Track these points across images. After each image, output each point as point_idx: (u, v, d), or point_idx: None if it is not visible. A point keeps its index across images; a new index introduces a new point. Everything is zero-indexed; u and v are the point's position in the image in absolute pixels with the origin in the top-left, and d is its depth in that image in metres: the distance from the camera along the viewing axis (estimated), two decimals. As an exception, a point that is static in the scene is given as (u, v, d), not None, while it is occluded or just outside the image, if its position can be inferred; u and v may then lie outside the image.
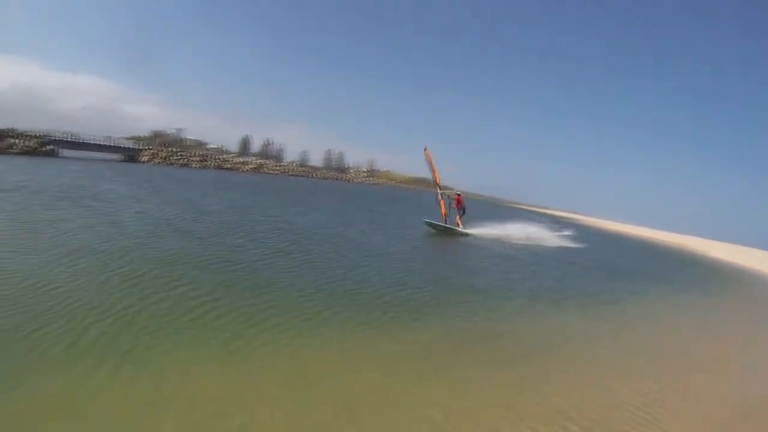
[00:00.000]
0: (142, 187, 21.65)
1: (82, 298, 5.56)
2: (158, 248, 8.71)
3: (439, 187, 19.93)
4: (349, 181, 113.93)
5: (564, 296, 10.23)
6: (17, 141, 46.77)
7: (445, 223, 19.10)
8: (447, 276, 10.66)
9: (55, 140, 51.29)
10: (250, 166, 76.61)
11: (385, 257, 11.22)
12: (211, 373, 4.32)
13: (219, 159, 73.58)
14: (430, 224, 19.01)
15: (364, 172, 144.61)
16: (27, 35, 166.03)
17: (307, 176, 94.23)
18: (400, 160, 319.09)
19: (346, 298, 7.13)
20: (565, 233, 26.78)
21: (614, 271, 16.80)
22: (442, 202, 19.33)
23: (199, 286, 6.65)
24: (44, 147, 48.68)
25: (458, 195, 19.81)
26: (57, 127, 53.34)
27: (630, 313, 10.17)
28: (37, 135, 49.66)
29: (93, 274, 6.53)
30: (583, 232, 40.57)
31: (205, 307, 5.85)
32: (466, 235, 19.12)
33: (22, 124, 49.51)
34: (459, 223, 19.55)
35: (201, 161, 67.67)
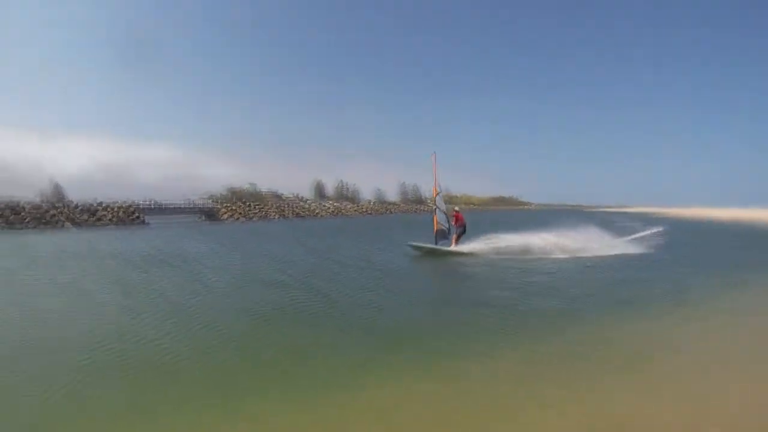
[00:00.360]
0: (223, 243, 21.85)
1: (177, 351, 5.77)
2: (243, 299, 9.04)
3: (435, 200, 17.74)
4: (428, 211, 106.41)
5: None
6: (105, 213, 47.35)
7: (435, 244, 16.87)
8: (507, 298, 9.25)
9: (139, 208, 51.56)
10: (327, 211, 73.24)
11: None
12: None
13: (296, 207, 71.28)
14: (415, 247, 17.12)
15: None
16: (101, 112, 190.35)
17: (386, 213, 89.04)
18: (476, 180, 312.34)
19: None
20: (638, 234, 21.16)
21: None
22: (435, 219, 17.35)
23: (286, 334, 6.74)
24: (130, 216, 49.17)
25: (456, 211, 17.96)
26: (139, 196, 54.46)
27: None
28: (122, 205, 50.43)
29: (183, 329, 6.82)
30: (662, 226, 33.30)
31: (295, 353, 5.83)
32: (465, 254, 16.30)
33: (108, 197, 50.73)
34: (455, 242, 17.04)
35: (279, 212, 65.82)
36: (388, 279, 11.54)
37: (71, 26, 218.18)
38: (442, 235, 17.20)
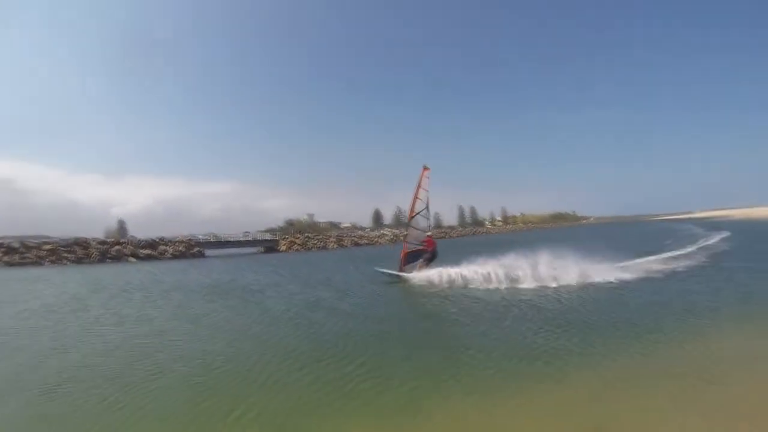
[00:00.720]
0: (282, 274, 20.92)
1: (246, 374, 5.85)
2: (306, 325, 8.83)
3: (410, 221, 16.43)
4: (487, 233, 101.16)
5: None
6: (167, 247, 46.49)
7: (403, 267, 15.81)
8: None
9: (200, 242, 50.43)
10: (386, 238, 69.33)
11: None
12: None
13: (354, 237, 68.05)
14: (383, 273, 16.34)
15: (499, 221, 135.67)
16: (163, 154, 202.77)
17: (445, 237, 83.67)
18: (533, 198, 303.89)
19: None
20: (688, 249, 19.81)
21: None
22: (405, 245, 16.13)
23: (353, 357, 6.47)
24: (191, 250, 47.96)
25: (429, 236, 16.49)
26: (200, 231, 54.30)
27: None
28: (182, 240, 49.46)
29: (251, 354, 6.82)
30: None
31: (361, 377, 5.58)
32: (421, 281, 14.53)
33: (169, 231, 50.90)
34: (423, 266, 15.49)
35: (337, 241, 62.78)
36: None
37: (137, 78, 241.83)
38: (412, 258, 16.10)
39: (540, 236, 57.61)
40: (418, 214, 16.26)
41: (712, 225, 52.79)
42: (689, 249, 19.72)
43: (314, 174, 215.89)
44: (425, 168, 16.38)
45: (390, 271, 16.12)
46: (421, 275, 14.99)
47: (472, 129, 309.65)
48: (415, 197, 16.21)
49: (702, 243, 21.57)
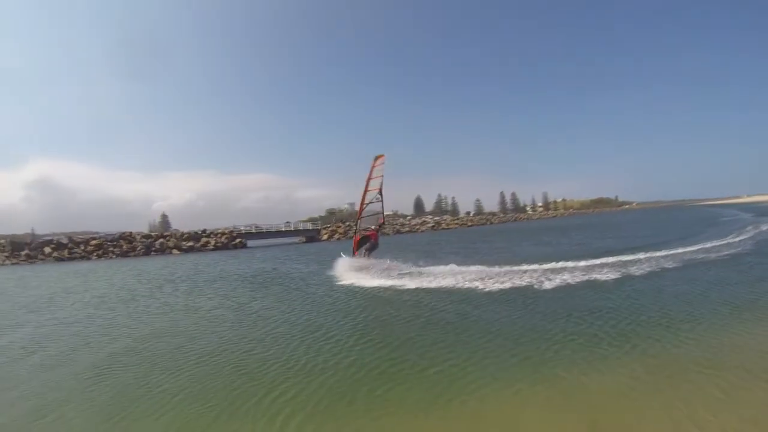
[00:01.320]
0: (320, 263, 19.54)
1: (285, 360, 5.79)
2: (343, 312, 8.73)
3: (361, 212, 16.04)
4: (528, 219, 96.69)
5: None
6: (210, 239, 45.74)
7: (355, 252, 15.74)
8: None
9: (241, 233, 49.44)
10: (428, 225, 66.77)
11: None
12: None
13: (396, 224, 65.82)
14: (342, 257, 15.97)
15: (540, 207, 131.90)
16: (203, 150, 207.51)
17: (486, 223, 79.98)
18: (574, 183, 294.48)
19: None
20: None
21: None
22: (356, 237, 15.99)
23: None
24: (233, 241, 47.05)
25: (373, 229, 16.15)
26: (241, 222, 53.40)
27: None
28: (225, 231, 48.57)
29: (291, 340, 6.79)
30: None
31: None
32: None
33: (213, 224, 50.46)
34: (363, 254, 15.44)
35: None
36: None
37: (170, 78, 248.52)
38: (365, 242, 16.01)
39: (573, 223, 53.42)
40: (369, 204, 16.05)
41: (763, 210, 47.38)
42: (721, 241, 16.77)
43: (353, 163, 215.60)
44: (377, 157, 15.81)
45: (347, 257, 16.11)
46: (360, 261, 15.07)
47: (511, 116, 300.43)
48: (366, 189, 15.80)
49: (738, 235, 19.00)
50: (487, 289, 9.94)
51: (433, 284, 11.09)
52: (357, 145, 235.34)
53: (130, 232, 45.24)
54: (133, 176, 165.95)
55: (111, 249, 40.51)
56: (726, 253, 13.66)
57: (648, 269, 11.38)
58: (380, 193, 16.33)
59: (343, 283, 12.74)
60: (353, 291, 11.40)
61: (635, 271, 11.23)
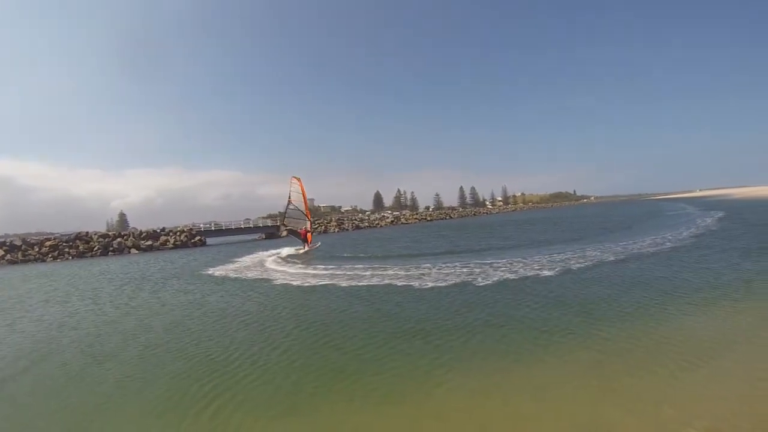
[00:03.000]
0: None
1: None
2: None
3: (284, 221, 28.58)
4: (487, 213, 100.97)
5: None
6: (169, 237, 46.67)
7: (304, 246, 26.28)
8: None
9: (201, 231, 50.52)
10: (387, 221, 69.36)
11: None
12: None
13: (355, 220, 68.08)
14: (298, 248, 25.99)
15: (499, 201, 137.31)
16: (167, 149, 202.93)
17: (445, 218, 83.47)
18: (534, 179, 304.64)
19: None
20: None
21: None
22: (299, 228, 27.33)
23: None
24: (193, 239, 48.07)
25: (303, 228, 27.37)
26: (201, 220, 54.46)
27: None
28: (183, 229, 49.60)
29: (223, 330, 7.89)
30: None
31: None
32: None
33: (172, 222, 51.22)
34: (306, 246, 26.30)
35: (338, 225, 62.98)
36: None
37: (132, 74, 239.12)
38: (299, 239, 27.33)
39: (528, 217, 57.71)
40: (286, 216, 27.90)
41: (709, 204, 53.50)
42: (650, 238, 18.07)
43: (313, 159, 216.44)
44: (293, 180, 27.73)
45: (298, 248, 25.70)
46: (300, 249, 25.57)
47: (471, 111, 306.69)
48: (287, 205, 27.95)
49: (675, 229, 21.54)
50: (429, 286, 10.61)
51: (363, 282, 11.91)
52: (317, 140, 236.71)
53: (87, 232, 45.49)
54: (90, 174, 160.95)
55: (67, 250, 40.89)
56: (652, 250, 14.65)
57: (583, 264, 12.24)
58: (289, 203, 26.68)
59: (277, 283, 13.56)
60: (287, 287, 12.24)
61: (573, 264, 12.13)
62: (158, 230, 48.32)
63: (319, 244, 28.60)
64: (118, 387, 5.63)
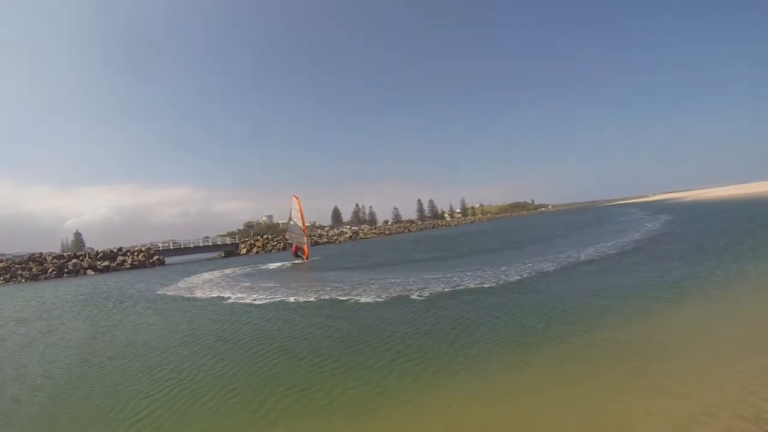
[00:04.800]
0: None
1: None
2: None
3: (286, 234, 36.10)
4: (446, 225, 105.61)
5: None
6: (126, 258, 47.59)
7: (299, 259, 30.15)
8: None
9: (159, 250, 51.63)
10: (346, 236, 72.18)
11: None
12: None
13: (314, 235, 70.38)
14: (293, 261, 29.76)
15: (458, 213, 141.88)
16: (122, 165, 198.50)
17: (404, 231, 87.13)
18: (493, 188, 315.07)
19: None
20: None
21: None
22: (304, 248, 30.89)
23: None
24: (151, 258, 49.19)
25: (294, 245, 31.86)
26: (160, 238, 55.45)
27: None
28: (141, 249, 50.57)
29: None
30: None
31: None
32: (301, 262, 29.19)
33: (130, 241, 51.88)
34: (304, 257, 30.30)
35: (297, 241, 64.63)
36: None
37: (89, 83, 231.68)
38: (296, 252, 31.06)
39: (484, 228, 61.65)
40: (288, 231, 32.58)
41: (660, 208, 56.88)
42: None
43: (273, 176, 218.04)
44: (294, 199, 31.88)
45: (294, 260, 29.71)
46: (296, 261, 29.43)
47: (429, 122, 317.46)
48: (288, 221, 32.61)
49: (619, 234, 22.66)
50: (367, 300, 10.89)
51: (310, 298, 12.30)
52: (272, 155, 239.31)
53: (41, 253, 45.68)
54: (43, 191, 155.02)
55: (19, 272, 41.15)
56: (596, 255, 15.14)
57: (528, 273, 12.41)
58: (290, 219, 31.31)
59: (230, 301, 13.90)
60: (255, 306, 12.23)
61: (510, 276, 12.26)
62: (115, 250, 49.00)
63: (318, 258, 32.38)
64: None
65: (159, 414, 5.18)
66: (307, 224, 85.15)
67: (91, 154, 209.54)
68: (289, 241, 31.99)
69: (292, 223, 31.60)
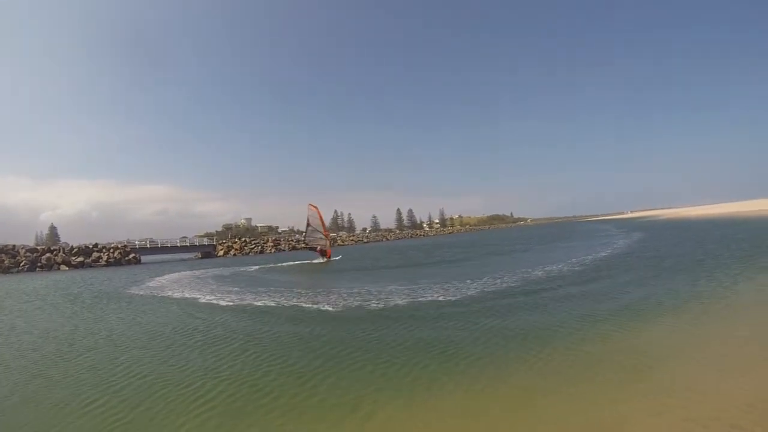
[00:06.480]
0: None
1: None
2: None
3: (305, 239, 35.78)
4: (424, 236, 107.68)
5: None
6: (101, 254, 47.57)
7: (322, 258, 33.11)
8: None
9: (136, 248, 51.72)
10: (302, 243, 73.36)
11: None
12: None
13: (292, 240, 71.39)
14: (315, 261, 32.86)
15: (436, 223, 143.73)
16: (102, 159, 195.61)
17: (382, 240, 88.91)
18: (473, 200, 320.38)
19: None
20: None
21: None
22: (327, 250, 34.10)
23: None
24: (127, 256, 49.17)
25: (320, 247, 34.11)
26: (137, 236, 55.50)
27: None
28: (117, 246, 50.55)
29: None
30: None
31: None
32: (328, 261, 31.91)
33: (107, 238, 51.90)
34: (327, 256, 33.37)
35: (275, 245, 65.78)
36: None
37: (70, 76, 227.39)
38: (318, 252, 34.35)
39: (460, 240, 63.45)
40: (306, 235, 35.46)
41: (636, 225, 59.42)
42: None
43: (253, 179, 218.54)
44: (311, 207, 34.49)
45: (318, 260, 32.79)
46: (319, 260, 32.46)
47: (409, 132, 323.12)
48: (306, 227, 35.21)
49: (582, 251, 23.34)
50: (327, 309, 11.08)
51: (274, 302, 12.70)
52: (254, 158, 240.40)
53: (14, 245, 45.24)
54: (19, 182, 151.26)
55: (-9, 264, 41.00)
56: (540, 274, 15.16)
57: (479, 289, 12.48)
58: (312, 227, 34.21)
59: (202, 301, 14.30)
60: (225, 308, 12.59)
61: (470, 290, 12.39)
62: (90, 246, 48.88)
63: (340, 257, 35.57)
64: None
65: (98, 413, 5.28)
66: (285, 229, 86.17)
67: (71, 147, 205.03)
68: (309, 246, 34.96)
69: (310, 228, 34.50)
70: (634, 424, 4.06)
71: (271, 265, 30.92)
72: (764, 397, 4.40)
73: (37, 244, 54.76)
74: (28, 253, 44.03)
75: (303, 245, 36.20)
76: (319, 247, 34.25)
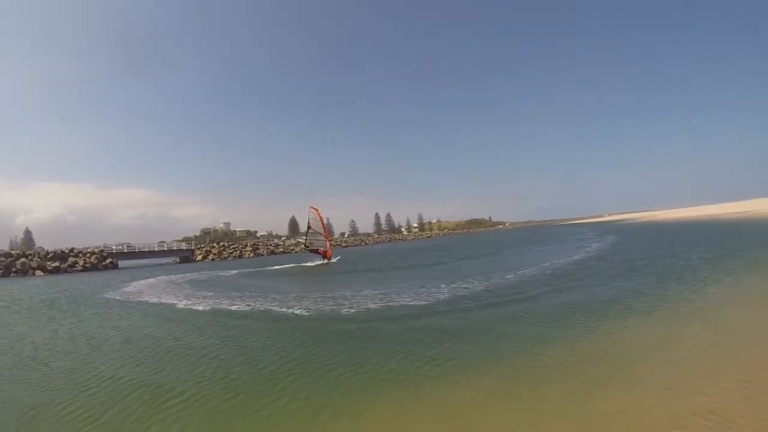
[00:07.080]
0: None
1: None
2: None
3: (306, 241, 35.46)
4: (402, 240, 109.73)
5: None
6: (78, 259, 47.78)
7: (323, 260, 33.90)
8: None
9: (113, 253, 52.02)
10: (301, 247, 74.47)
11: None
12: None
13: (270, 245, 72.37)
14: (315, 263, 33.24)
15: (415, 227, 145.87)
16: (79, 162, 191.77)
17: (360, 244, 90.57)
18: (451, 206, 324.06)
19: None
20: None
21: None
22: (328, 251, 34.78)
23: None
24: (104, 261, 49.46)
25: (322, 249, 34.68)
26: (113, 240, 55.71)
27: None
28: (94, 251, 50.76)
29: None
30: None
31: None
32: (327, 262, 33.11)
33: (83, 242, 52.11)
34: (328, 258, 34.42)
35: (253, 250, 66.60)
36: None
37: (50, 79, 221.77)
38: (318, 254, 35.01)
39: (436, 244, 65.31)
40: (307, 238, 35.51)
41: (612, 228, 60.62)
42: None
43: (232, 182, 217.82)
44: (311, 209, 35.11)
45: (317, 261, 33.50)
46: (321, 262, 33.16)
47: (389, 136, 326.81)
48: (307, 230, 35.99)
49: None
50: (298, 313, 11.30)
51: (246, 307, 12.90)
52: (232, 163, 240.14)
53: (-13, 251, 45.38)
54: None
55: (-36, 269, 40.96)
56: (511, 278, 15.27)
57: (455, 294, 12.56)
58: (313, 230, 34.54)
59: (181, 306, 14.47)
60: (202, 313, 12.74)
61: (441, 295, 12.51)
62: (67, 251, 48.98)
63: (339, 257, 36.94)
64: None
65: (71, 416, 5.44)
66: (263, 234, 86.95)
67: (47, 149, 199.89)
68: (310, 248, 35.18)
69: (311, 231, 35.26)
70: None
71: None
72: (743, 393, 4.60)
73: (12, 249, 54.36)
74: (2, 258, 44.13)
75: (304, 248, 36.32)
76: (321, 249, 34.89)
